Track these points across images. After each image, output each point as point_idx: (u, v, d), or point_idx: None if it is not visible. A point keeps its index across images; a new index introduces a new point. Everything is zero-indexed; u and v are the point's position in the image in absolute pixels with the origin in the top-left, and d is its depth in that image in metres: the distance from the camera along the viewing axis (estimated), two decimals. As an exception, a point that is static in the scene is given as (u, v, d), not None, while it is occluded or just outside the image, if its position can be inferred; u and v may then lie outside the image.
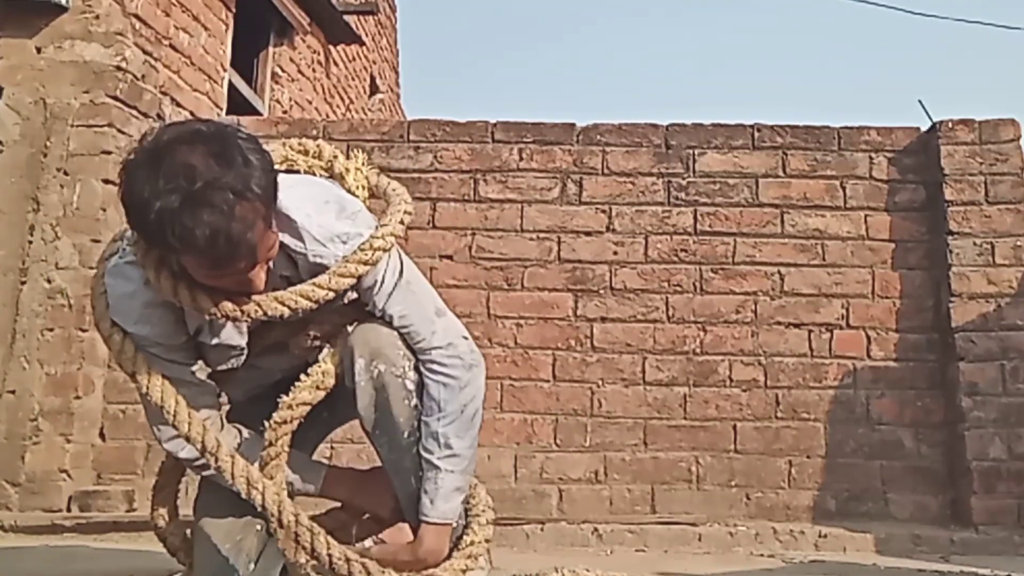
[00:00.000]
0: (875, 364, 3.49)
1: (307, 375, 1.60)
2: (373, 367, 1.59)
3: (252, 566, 1.67)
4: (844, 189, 3.65)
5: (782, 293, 3.56)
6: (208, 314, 1.48)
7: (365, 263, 1.54)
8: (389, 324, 1.61)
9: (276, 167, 1.56)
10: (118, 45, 3.64)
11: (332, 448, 3.34)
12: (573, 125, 3.76)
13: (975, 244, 3.45)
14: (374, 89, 8.28)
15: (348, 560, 1.51)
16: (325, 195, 1.60)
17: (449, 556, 1.62)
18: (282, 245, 1.50)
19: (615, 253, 3.61)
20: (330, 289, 1.52)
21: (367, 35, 7.72)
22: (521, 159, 3.71)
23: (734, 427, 3.45)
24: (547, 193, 3.68)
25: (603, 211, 3.65)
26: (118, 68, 3.60)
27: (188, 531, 1.78)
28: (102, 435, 3.42)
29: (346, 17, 6.65)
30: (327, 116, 6.36)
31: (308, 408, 1.59)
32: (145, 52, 3.79)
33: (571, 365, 3.51)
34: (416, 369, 1.62)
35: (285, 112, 5.67)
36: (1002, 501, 3.22)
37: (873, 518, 3.32)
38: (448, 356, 1.62)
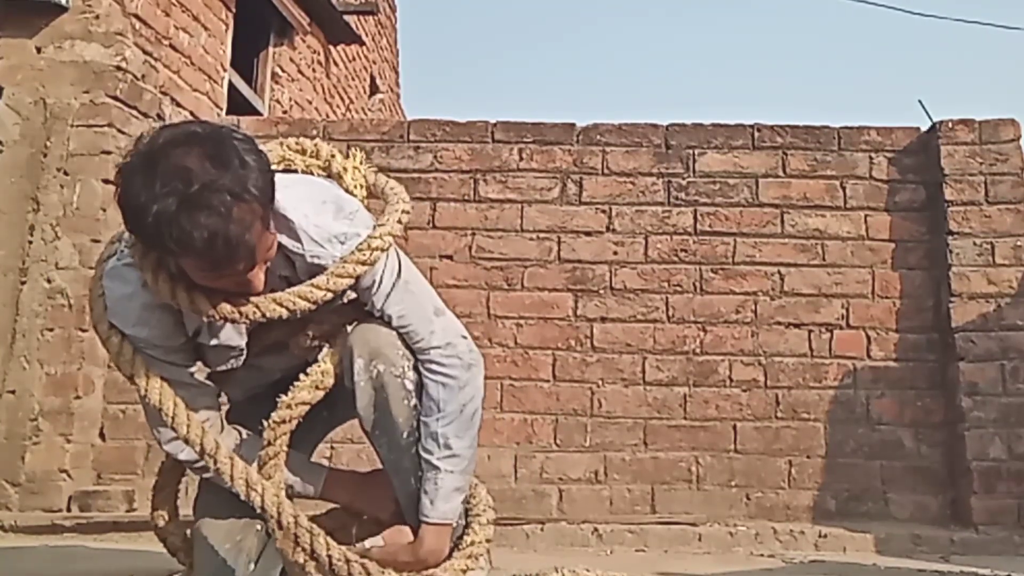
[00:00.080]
0: (875, 364, 3.49)
1: (306, 375, 1.60)
2: (372, 367, 1.58)
3: (252, 566, 1.67)
4: (844, 189, 3.65)
5: (782, 293, 3.56)
6: (206, 316, 1.48)
7: (363, 263, 1.53)
8: (388, 324, 1.61)
9: (273, 167, 1.56)
10: (118, 45, 3.64)
11: (332, 448, 3.34)
12: (573, 125, 3.76)
13: (975, 244, 3.45)
14: (374, 89, 8.29)
15: (348, 561, 1.51)
16: (323, 195, 1.60)
17: (449, 556, 1.62)
18: (280, 246, 1.49)
19: (615, 253, 3.61)
20: (328, 290, 1.52)
21: (367, 35, 7.72)
22: (521, 159, 3.71)
23: (734, 427, 3.45)
24: (547, 193, 3.68)
25: (603, 211, 3.66)
26: (118, 68, 3.60)
27: (188, 531, 1.78)
28: (102, 435, 3.42)
29: (346, 17, 6.65)
30: (327, 116, 6.36)
31: (307, 408, 1.59)
32: (145, 52, 3.79)
33: (571, 365, 3.51)
34: (415, 369, 1.61)
35: (285, 112, 5.67)
36: (1002, 501, 3.22)
37: (873, 518, 3.32)
38: (447, 356, 1.61)
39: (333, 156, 1.73)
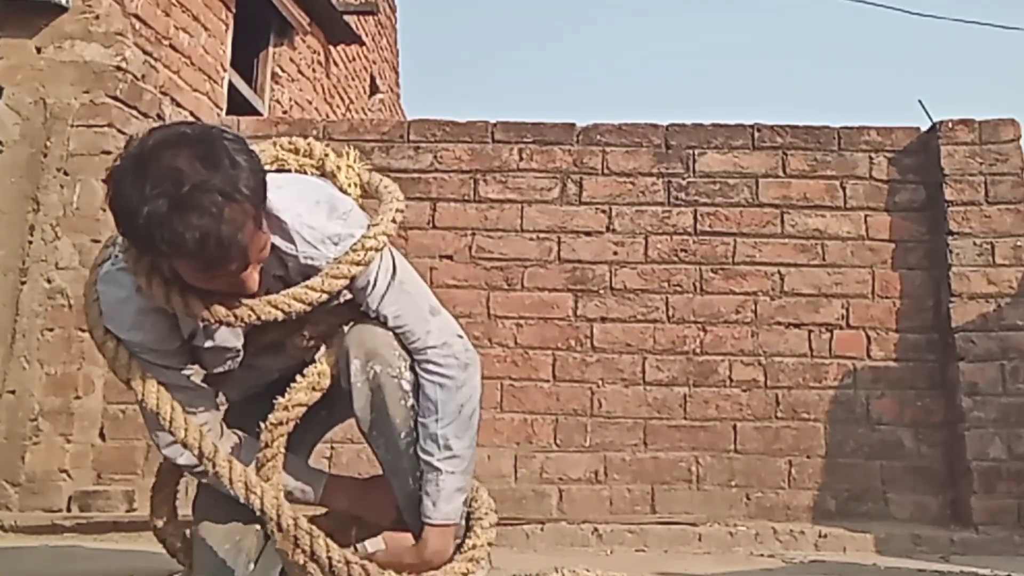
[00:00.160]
0: (875, 364, 3.49)
1: (303, 376, 1.59)
2: (369, 368, 1.58)
3: (252, 566, 1.67)
4: (844, 189, 3.65)
5: (782, 293, 3.56)
6: (201, 320, 1.48)
7: (357, 264, 1.53)
8: (384, 324, 1.60)
9: (267, 167, 1.56)
10: (118, 45, 3.64)
11: (332, 448, 3.34)
12: (573, 125, 3.76)
13: (975, 244, 3.45)
14: (374, 89, 8.28)
15: (348, 562, 1.51)
16: (316, 195, 1.59)
17: (451, 559, 1.61)
18: (273, 247, 1.49)
19: (615, 253, 3.61)
20: (323, 291, 1.52)
21: (367, 35, 7.72)
22: (521, 159, 3.71)
23: (734, 427, 3.45)
24: (547, 193, 3.68)
25: (603, 211, 3.66)
26: (118, 68, 3.60)
27: (187, 532, 1.78)
28: (102, 435, 3.42)
29: (346, 17, 6.65)
30: (327, 116, 6.36)
31: (304, 409, 1.59)
32: (145, 52, 3.79)
33: (571, 365, 3.51)
34: (412, 369, 1.61)
35: (285, 112, 5.66)
36: (1002, 501, 3.22)
37: (873, 518, 3.32)
38: (444, 356, 1.60)
39: (326, 155, 1.72)
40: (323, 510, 1.75)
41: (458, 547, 1.63)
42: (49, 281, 3.39)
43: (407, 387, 1.60)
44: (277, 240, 1.50)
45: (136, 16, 3.77)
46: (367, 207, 1.69)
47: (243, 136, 1.45)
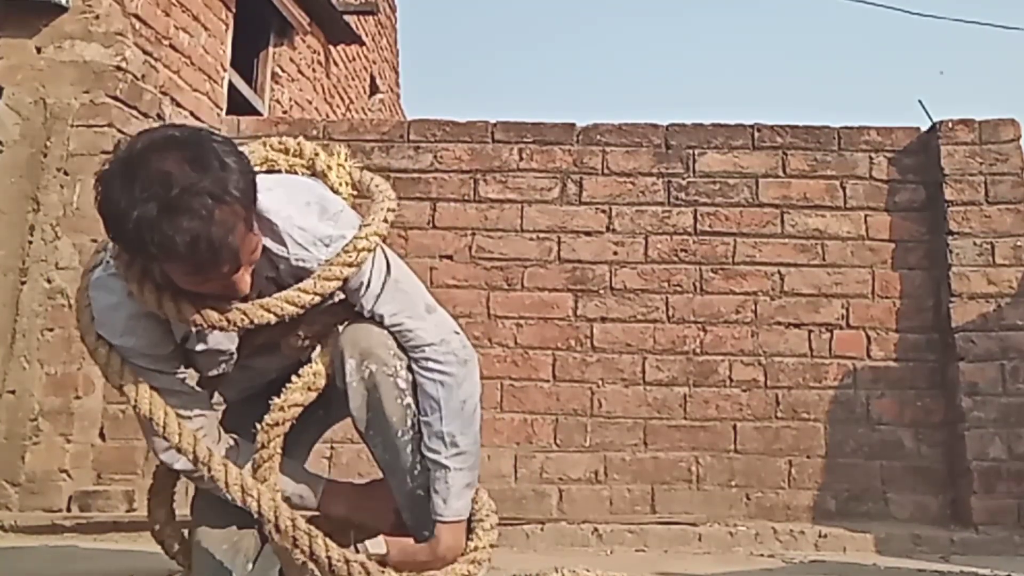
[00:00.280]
0: (875, 364, 3.49)
1: (298, 376, 1.59)
2: (364, 367, 1.57)
3: (250, 566, 1.67)
4: (844, 189, 3.65)
5: (782, 293, 3.56)
6: (194, 325, 1.47)
7: (349, 265, 1.52)
8: (379, 323, 1.60)
9: (257, 168, 1.56)
10: (118, 45, 3.63)
11: (332, 448, 3.34)
12: (573, 125, 3.76)
13: (975, 244, 3.45)
14: (374, 89, 8.28)
15: (348, 561, 1.50)
16: (306, 196, 1.58)
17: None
18: (264, 249, 1.48)
19: (615, 253, 3.61)
20: (316, 294, 1.51)
21: (367, 35, 7.72)
22: (521, 159, 3.71)
23: (734, 427, 3.45)
24: (547, 193, 3.68)
25: (603, 211, 3.66)
26: (118, 68, 3.60)
27: (186, 532, 1.77)
28: (102, 435, 3.42)
29: (346, 17, 6.65)
30: (327, 116, 6.35)
31: (300, 409, 1.58)
32: (145, 52, 3.78)
33: (571, 365, 3.51)
34: (408, 368, 1.60)
35: (285, 112, 5.66)
36: (1002, 501, 3.22)
37: (873, 518, 3.32)
38: (442, 353, 1.60)
39: (317, 154, 1.71)
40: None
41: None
42: (49, 281, 3.39)
43: (403, 385, 1.59)
44: (268, 242, 1.50)
45: (136, 16, 3.77)
46: (360, 205, 1.68)
47: (241, 136, 1.45)
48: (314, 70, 6.29)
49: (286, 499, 1.60)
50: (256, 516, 1.52)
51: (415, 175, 3.67)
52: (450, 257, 3.61)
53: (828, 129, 3.71)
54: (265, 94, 5.59)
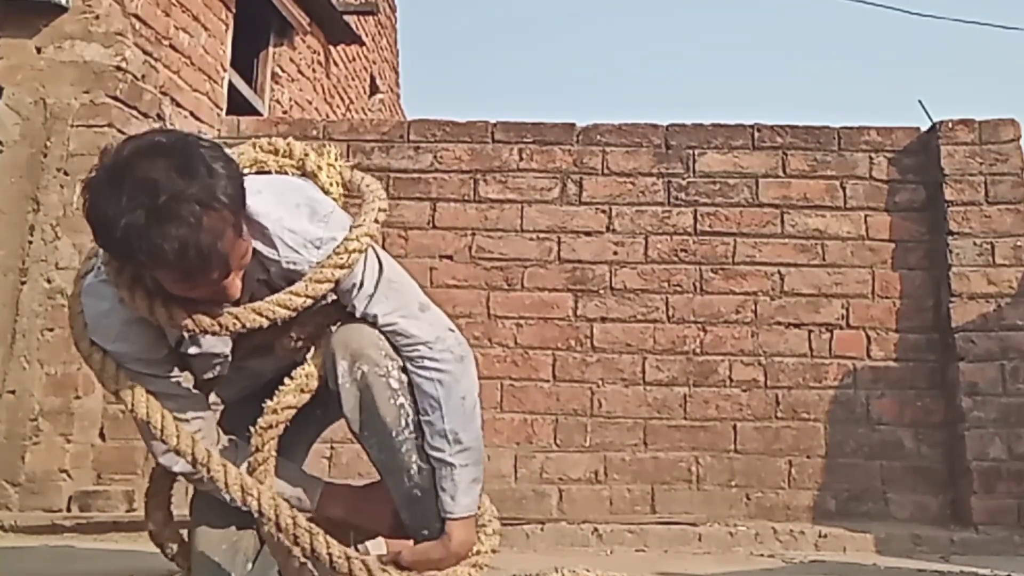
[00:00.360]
0: (875, 364, 3.49)
1: (291, 378, 1.58)
2: (356, 368, 1.57)
3: (249, 566, 1.67)
4: (844, 189, 3.65)
5: (782, 293, 3.56)
6: (186, 330, 1.47)
7: (341, 267, 1.51)
8: (372, 324, 1.59)
9: (246, 169, 1.55)
10: (118, 45, 3.63)
11: (332, 448, 3.34)
12: (573, 125, 3.76)
13: (975, 244, 3.45)
14: (374, 89, 8.28)
15: (348, 558, 1.50)
16: (296, 198, 1.57)
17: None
18: (255, 252, 1.48)
19: (615, 253, 3.61)
20: (307, 296, 1.50)
21: (367, 35, 7.72)
22: (521, 159, 3.71)
23: (734, 427, 3.45)
24: (547, 193, 3.68)
25: (603, 211, 3.66)
26: (118, 68, 3.60)
27: (185, 533, 1.77)
28: (102, 435, 3.42)
29: (346, 17, 6.64)
30: (327, 116, 6.35)
31: (293, 411, 1.57)
32: (145, 52, 3.78)
33: (571, 365, 3.51)
34: (400, 368, 1.59)
35: (285, 112, 5.66)
36: (1002, 501, 3.22)
37: (873, 518, 3.32)
38: (439, 351, 1.59)
39: (307, 155, 1.69)
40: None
41: None
42: (49, 281, 3.39)
43: (395, 385, 1.58)
44: (259, 245, 1.49)
45: (136, 16, 3.77)
46: (351, 204, 1.68)
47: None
48: (314, 70, 6.29)
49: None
50: (257, 515, 1.51)
51: (415, 175, 3.67)
52: (450, 257, 3.61)
53: (828, 129, 3.71)
54: (265, 94, 5.59)
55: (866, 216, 3.62)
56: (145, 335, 1.52)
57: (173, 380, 1.59)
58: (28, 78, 3.57)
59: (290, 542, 1.50)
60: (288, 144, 1.70)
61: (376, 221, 1.60)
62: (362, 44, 7.33)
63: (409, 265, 3.42)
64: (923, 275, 3.56)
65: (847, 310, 3.54)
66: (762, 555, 3.01)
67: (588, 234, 3.63)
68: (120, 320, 1.49)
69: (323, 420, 1.83)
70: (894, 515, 3.34)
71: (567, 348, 3.53)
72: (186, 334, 1.51)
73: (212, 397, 1.74)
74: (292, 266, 1.53)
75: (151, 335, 1.52)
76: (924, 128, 3.69)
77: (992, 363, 3.34)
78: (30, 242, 3.42)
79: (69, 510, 3.21)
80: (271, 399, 1.57)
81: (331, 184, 1.70)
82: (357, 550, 1.59)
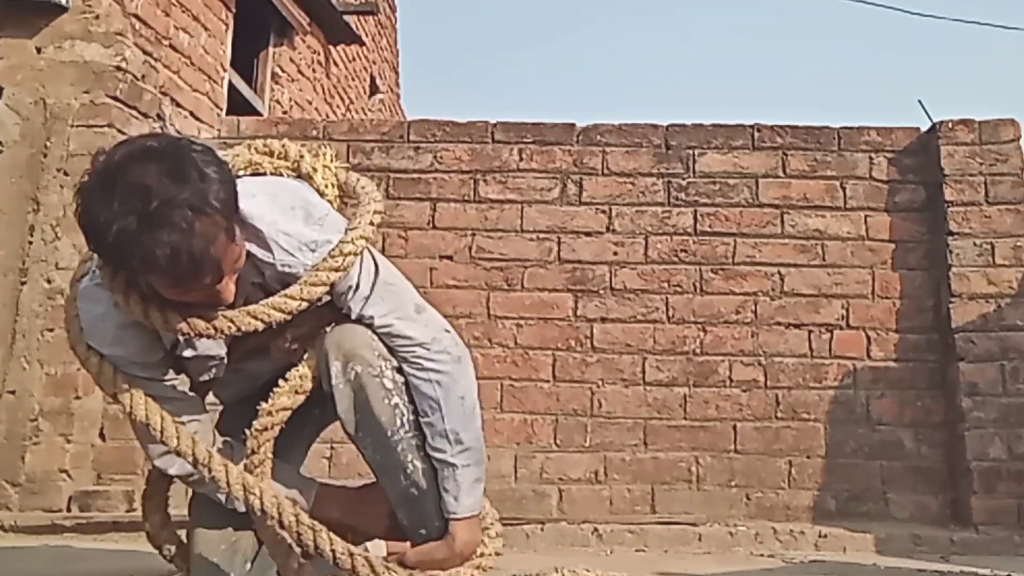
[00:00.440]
0: (875, 364, 3.49)
1: (285, 380, 1.58)
2: (349, 369, 1.57)
3: (248, 566, 1.67)
4: (844, 189, 3.65)
5: (782, 293, 3.56)
6: (181, 334, 1.47)
7: (336, 270, 1.52)
8: (368, 326, 1.59)
9: (241, 171, 1.55)
10: (118, 45, 3.63)
11: (332, 448, 3.34)
12: (573, 125, 3.76)
13: (975, 244, 3.45)
14: (374, 89, 8.28)
15: (351, 555, 1.50)
16: (291, 200, 1.57)
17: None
18: (250, 255, 1.48)
19: (615, 253, 3.61)
20: (302, 299, 1.50)
21: (367, 35, 7.72)
22: (521, 159, 3.71)
23: (734, 427, 3.45)
24: (547, 193, 3.68)
25: (603, 211, 3.66)
26: (118, 68, 3.60)
27: (184, 533, 1.77)
28: (102, 435, 3.42)
29: (346, 17, 6.64)
30: (327, 116, 6.35)
31: (288, 413, 1.58)
32: (145, 52, 3.78)
33: (571, 365, 3.51)
34: (394, 369, 1.59)
35: (285, 112, 5.66)
36: (1002, 501, 3.22)
37: (873, 518, 3.32)
38: (436, 352, 1.59)
39: (302, 156, 1.69)
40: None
41: None
42: (49, 281, 3.39)
43: (389, 386, 1.58)
44: (253, 248, 1.49)
45: (136, 16, 3.76)
46: (347, 207, 1.68)
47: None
48: (314, 70, 6.29)
49: None
50: (259, 514, 1.51)
51: (415, 175, 3.67)
52: (450, 257, 3.61)
53: (828, 129, 3.71)
54: (265, 94, 5.59)
55: (866, 216, 3.62)
56: (141, 338, 1.52)
57: (169, 383, 1.59)
58: (28, 78, 3.57)
59: (293, 540, 1.51)
60: (283, 146, 1.69)
61: (371, 223, 1.60)
62: (362, 44, 7.33)
63: (409, 265, 3.43)
64: (923, 275, 3.56)
65: (847, 310, 3.54)
66: (762, 555, 3.01)
67: (588, 234, 3.63)
68: (115, 324, 1.50)
69: (321, 420, 1.83)
70: (894, 515, 3.34)
71: (567, 348, 3.53)
72: (181, 337, 1.51)
73: (211, 398, 1.74)
74: (287, 269, 1.52)
75: (147, 338, 1.52)
76: (924, 128, 3.69)
77: (992, 363, 3.34)
78: (30, 242, 3.42)
79: (69, 510, 3.21)
80: (261, 404, 1.57)
81: (327, 186, 1.70)
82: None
